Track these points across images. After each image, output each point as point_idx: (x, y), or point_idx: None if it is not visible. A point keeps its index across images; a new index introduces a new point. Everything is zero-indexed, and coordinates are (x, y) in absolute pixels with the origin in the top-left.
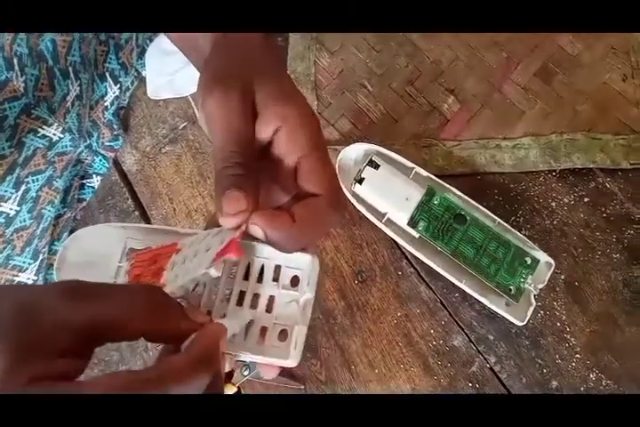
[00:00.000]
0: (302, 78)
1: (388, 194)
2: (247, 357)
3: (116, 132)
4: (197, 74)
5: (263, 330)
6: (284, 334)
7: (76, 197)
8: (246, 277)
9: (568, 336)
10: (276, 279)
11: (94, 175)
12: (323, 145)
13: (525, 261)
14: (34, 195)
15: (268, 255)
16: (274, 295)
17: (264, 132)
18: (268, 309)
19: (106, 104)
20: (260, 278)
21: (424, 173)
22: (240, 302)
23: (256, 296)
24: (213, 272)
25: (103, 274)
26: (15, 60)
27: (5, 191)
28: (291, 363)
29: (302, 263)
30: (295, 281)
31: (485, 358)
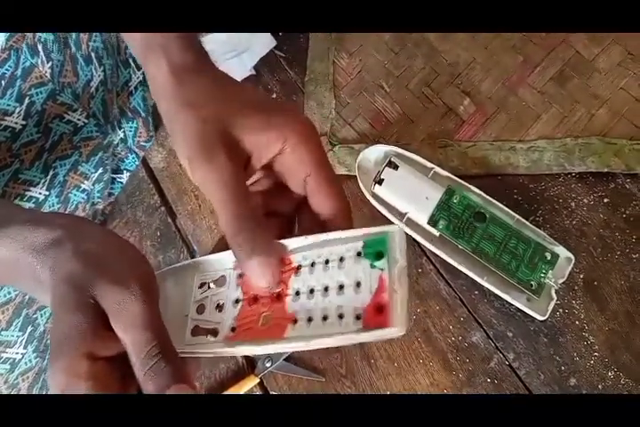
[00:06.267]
0: (321, 78)
1: (408, 194)
2: (353, 340)
3: (151, 134)
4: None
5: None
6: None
7: (107, 191)
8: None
9: (586, 335)
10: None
11: (124, 171)
12: (327, 161)
13: (545, 257)
14: (61, 179)
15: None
16: (360, 276)
17: (265, 155)
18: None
19: (130, 89)
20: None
21: (443, 172)
22: (327, 293)
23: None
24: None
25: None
26: (40, 47)
27: (34, 176)
28: (398, 331)
29: (390, 233)
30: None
31: (504, 355)
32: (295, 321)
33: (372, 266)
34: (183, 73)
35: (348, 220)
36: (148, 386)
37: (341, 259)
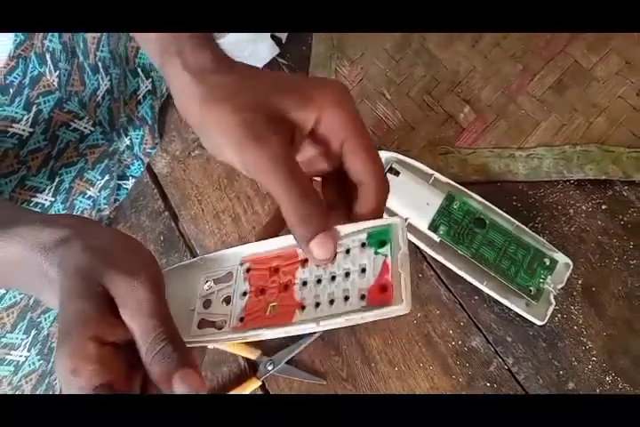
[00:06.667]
0: None
1: (409, 200)
2: (360, 319)
3: (156, 141)
4: None
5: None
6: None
7: (113, 197)
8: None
9: (585, 340)
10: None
11: (130, 178)
12: (363, 127)
13: (544, 263)
14: (67, 186)
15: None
16: (364, 262)
17: (305, 128)
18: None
19: (139, 98)
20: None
21: (444, 179)
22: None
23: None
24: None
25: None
26: (48, 56)
27: (40, 183)
28: (403, 309)
29: (393, 224)
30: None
31: (503, 360)
32: (303, 307)
33: (376, 253)
34: (202, 73)
35: (383, 183)
36: (155, 370)
37: (347, 251)
